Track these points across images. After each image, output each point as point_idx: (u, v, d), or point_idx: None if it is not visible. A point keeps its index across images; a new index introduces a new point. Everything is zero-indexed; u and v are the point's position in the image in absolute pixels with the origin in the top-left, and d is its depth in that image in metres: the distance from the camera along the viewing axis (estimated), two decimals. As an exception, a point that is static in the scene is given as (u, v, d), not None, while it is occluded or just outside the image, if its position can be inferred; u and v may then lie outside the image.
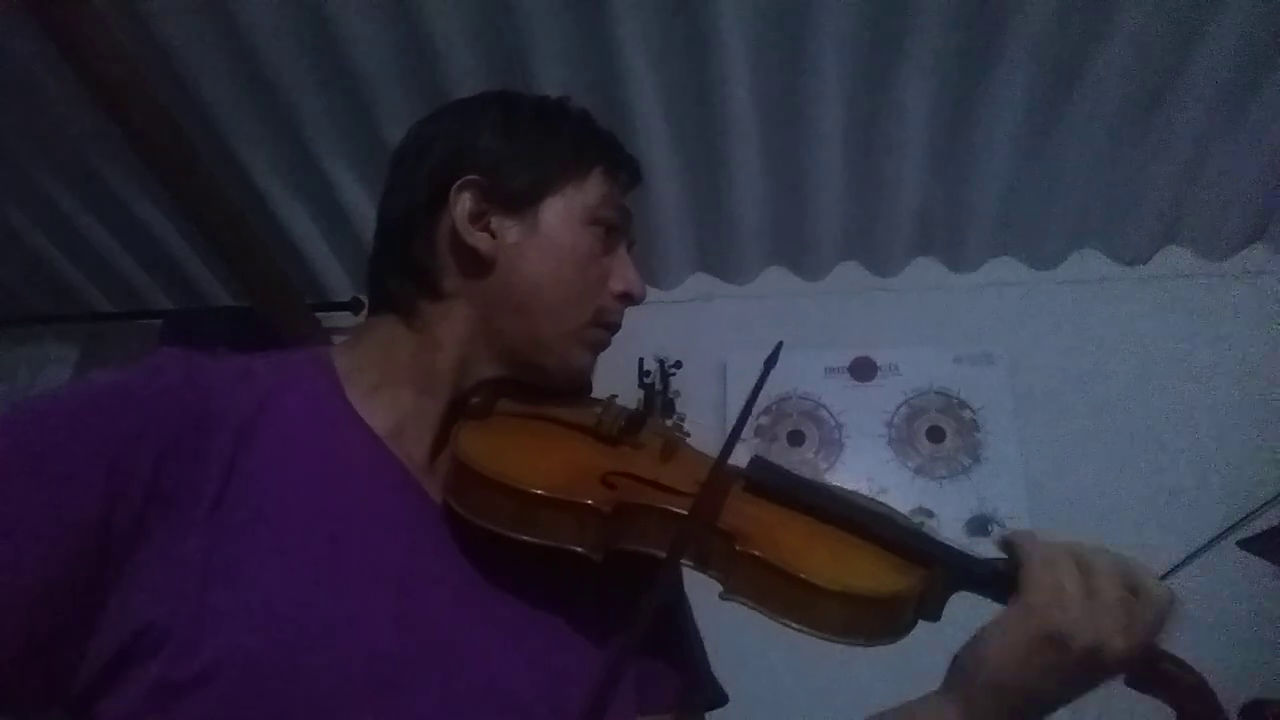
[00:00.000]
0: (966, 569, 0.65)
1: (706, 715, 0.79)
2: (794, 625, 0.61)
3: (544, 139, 0.74)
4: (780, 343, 0.79)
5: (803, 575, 0.60)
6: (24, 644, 0.52)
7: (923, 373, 2.02)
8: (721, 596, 0.63)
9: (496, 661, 0.61)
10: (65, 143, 1.93)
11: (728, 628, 0.77)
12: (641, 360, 2.11)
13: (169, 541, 0.53)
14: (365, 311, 0.78)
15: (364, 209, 2.01)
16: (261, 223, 2.01)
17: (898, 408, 2.00)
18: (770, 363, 0.77)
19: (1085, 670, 0.59)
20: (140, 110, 1.60)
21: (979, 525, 1.86)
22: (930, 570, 0.65)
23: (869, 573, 0.64)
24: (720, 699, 0.79)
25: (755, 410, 2.01)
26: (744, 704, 0.83)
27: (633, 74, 1.67)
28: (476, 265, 0.71)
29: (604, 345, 0.77)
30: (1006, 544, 0.64)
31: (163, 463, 0.54)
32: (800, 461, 1.98)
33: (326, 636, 0.55)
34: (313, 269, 2.21)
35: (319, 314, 2.23)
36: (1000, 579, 0.64)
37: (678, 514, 0.63)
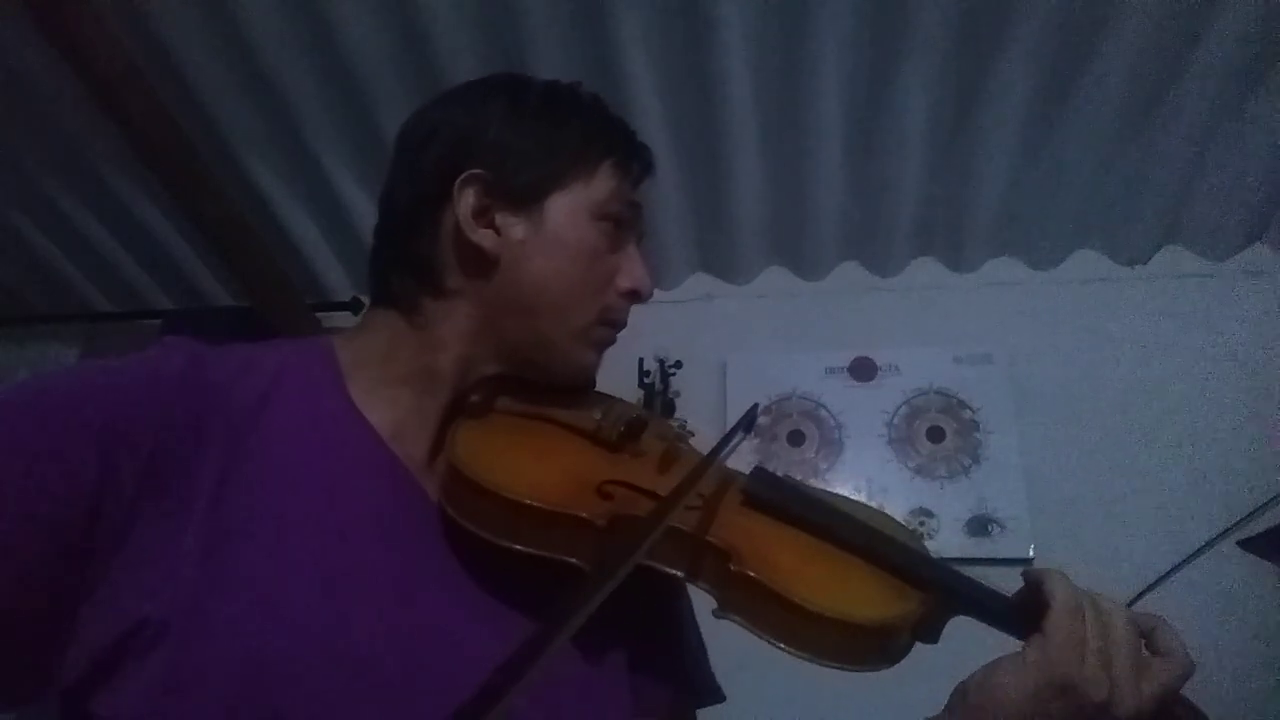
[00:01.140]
0: (973, 599, 0.64)
1: (703, 713, 0.78)
2: (786, 649, 0.59)
3: (552, 131, 0.71)
4: (756, 404, 0.77)
5: (796, 599, 0.59)
6: (6, 625, 0.51)
7: (923, 373, 2.01)
8: (715, 614, 0.62)
9: (493, 664, 0.61)
10: (65, 143, 1.93)
11: (727, 627, 0.77)
12: (641, 360, 2.11)
13: (164, 535, 0.53)
14: (366, 310, 0.77)
15: (364, 209, 2.01)
16: (261, 223, 2.01)
17: (898, 408, 2.00)
18: (746, 425, 0.76)
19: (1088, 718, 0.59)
20: (140, 110, 1.60)
21: (979, 525, 1.86)
22: (929, 594, 0.63)
23: (866, 597, 0.62)
24: (716, 696, 0.79)
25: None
26: (742, 703, 0.83)
27: (633, 74, 1.67)
28: (480, 263, 0.69)
29: (609, 343, 0.75)
30: (1033, 581, 0.62)
31: (158, 452, 0.54)
32: (800, 461, 1.98)
33: (326, 637, 0.54)
34: (313, 269, 2.21)
35: (319, 314, 2.23)
36: (1016, 615, 0.62)
37: (676, 528, 0.61)
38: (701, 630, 0.81)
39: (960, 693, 0.62)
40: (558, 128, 0.72)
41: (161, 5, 1.62)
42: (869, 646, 0.60)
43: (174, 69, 1.71)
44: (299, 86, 1.75)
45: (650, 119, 1.76)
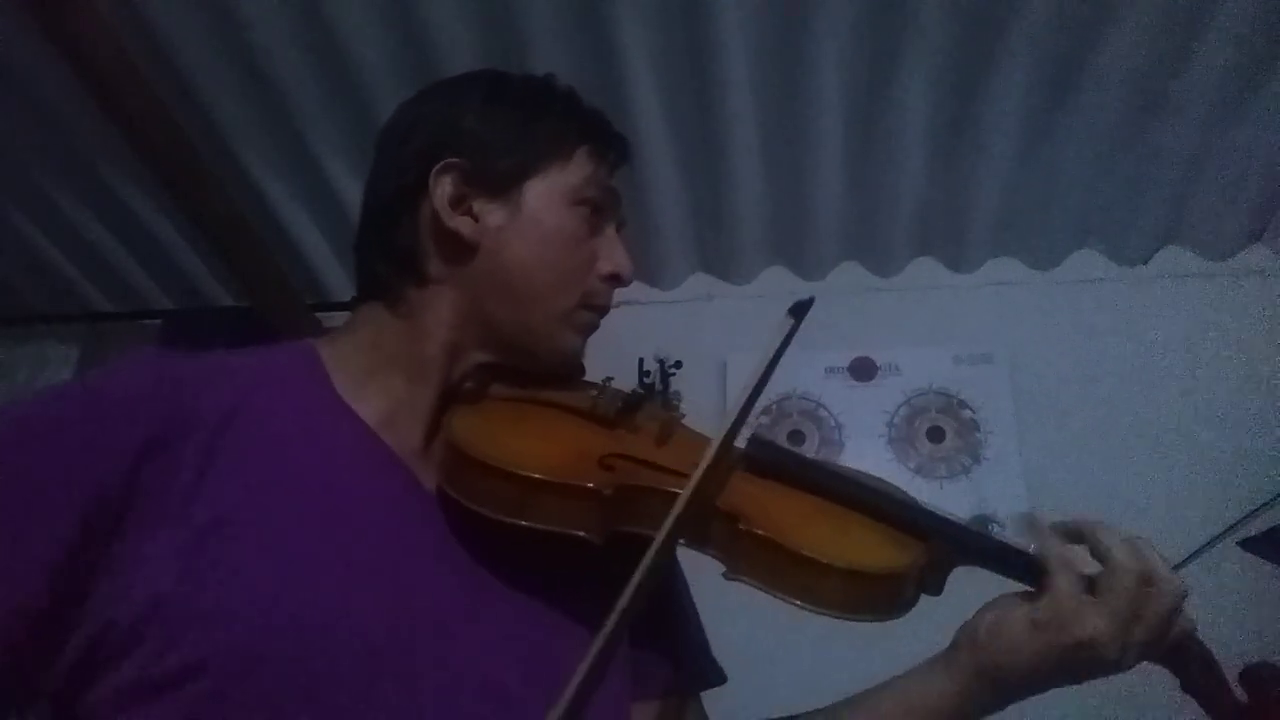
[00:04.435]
0: (974, 546, 0.66)
1: (706, 695, 0.79)
2: (798, 603, 0.61)
3: (527, 119, 0.73)
4: (813, 297, 0.75)
5: (805, 552, 0.60)
6: (8, 655, 0.52)
7: (923, 373, 2.02)
8: (725, 576, 0.62)
9: (490, 650, 0.61)
10: (65, 143, 1.93)
11: (727, 607, 0.77)
12: (641, 360, 2.11)
13: (142, 539, 0.53)
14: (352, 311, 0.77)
15: (364, 209, 2.00)
16: (261, 223, 2.00)
17: (898, 408, 2.00)
18: (801, 311, 0.74)
19: (1099, 668, 0.60)
20: (140, 110, 1.60)
21: (979, 525, 1.85)
22: (930, 543, 0.65)
23: (871, 548, 0.64)
24: (718, 678, 0.79)
25: (755, 410, 2.01)
26: (743, 683, 0.83)
27: (633, 74, 1.67)
28: (460, 250, 0.70)
29: (593, 328, 0.76)
30: (1074, 533, 0.64)
31: (139, 463, 0.54)
32: (800, 461, 1.98)
33: (318, 628, 0.54)
34: (313, 269, 2.21)
35: (319, 314, 2.23)
36: (1017, 560, 0.64)
37: (679, 494, 0.62)
38: (702, 617, 0.82)
39: (968, 636, 0.64)
40: (533, 116, 0.73)
41: (161, 5, 1.62)
42: (876, 596, 0.62)
43: (174, 69, 1.71)
44: (299, 86, 1.75)
45: (650, 119, 1.76)
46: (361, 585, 0.58)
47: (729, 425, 0.66)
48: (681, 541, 0.64)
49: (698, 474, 0.60)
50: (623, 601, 0.53)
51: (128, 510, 0.53)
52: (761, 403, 2.01)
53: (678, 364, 2.11)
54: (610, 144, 0.76)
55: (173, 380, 0.59)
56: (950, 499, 1.89)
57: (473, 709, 0.58)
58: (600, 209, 0.74)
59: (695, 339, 2.12)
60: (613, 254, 0.75)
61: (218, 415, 0.58)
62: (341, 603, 0.56)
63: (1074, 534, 0.64)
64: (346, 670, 0.54)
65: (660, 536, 0.57)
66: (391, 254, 0.73)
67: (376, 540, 0.61)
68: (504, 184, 0.71)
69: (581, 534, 0.61)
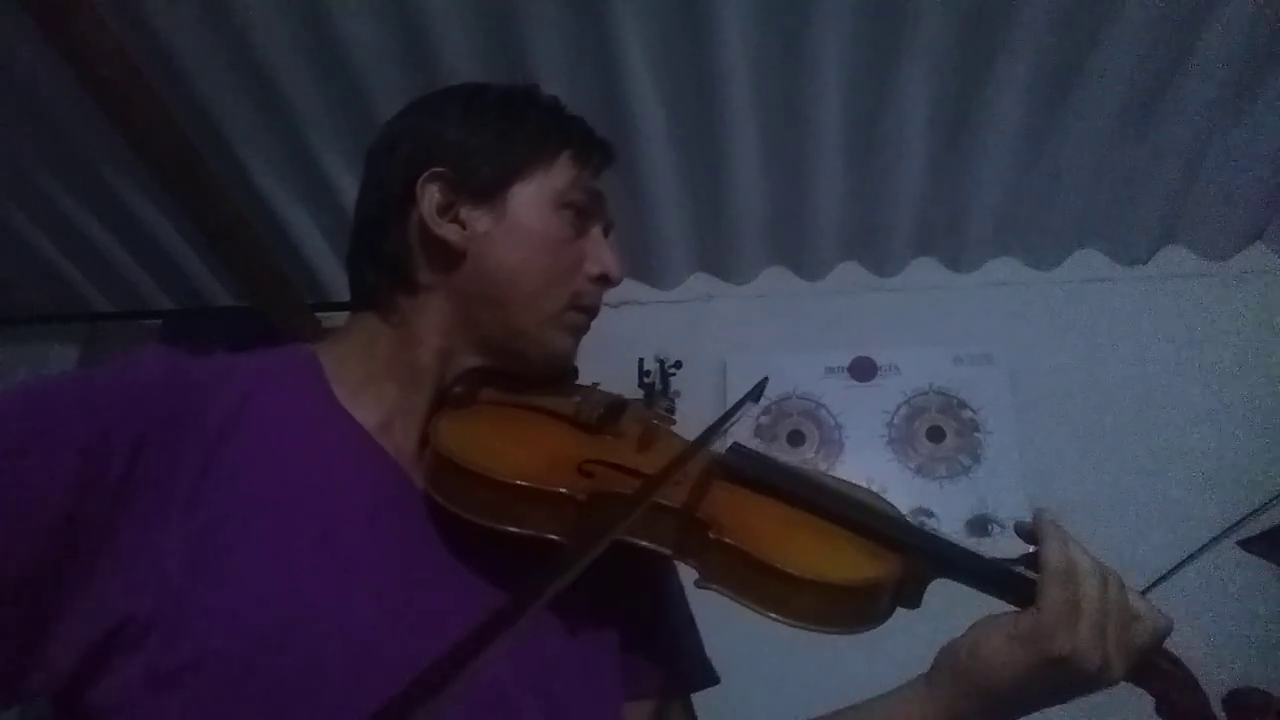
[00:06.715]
0: (950, 560, 0.65)
1: (699, 696, 0.79)
2: (769, 614, 0.60)
3: (509, 127, 0.74)
4: (765, 378, 0.79)
5: (776, 564, 0.60)
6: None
7: (923, 373, 2.02)
8: (697, 584, 0.63)
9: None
10: (65, 143, 1.93)
11: (719, 608, 0.77)
12: (641, 360, 2.11)
13: (147, 534, 0.53)
14: (346, 318, 0.78)
15: (364, 209, 2.00)
16: (261, 223, 2.01)
17: (898, 408, 2.00)
18: (754, 395, 0.77)
19: (1080, 687, 0.60)
20: (140, 110, 1.60)
21: (979, 525, 1.86)
22: (906, 557, 0.64)
23: (844, 560, 0.64)
24: (711, 679, 0.80)
25: (755, 410, 2.01)
26: (735, 685, 0.83)
27: (633, 74, 1.67)
28: (448, 257, 0.72)
29: (583, 329, 0.77)
30: (1030, 534, 0.64)
31: (139, 454, 0.54)
32: (800, 462, 1.97)
33: (315, 628, 0.55)
34: (313, 269, 2.21)
35: (319, 314, 2.23)
36: (995, 576, 0.64)
37: (656, 502, 0.62)
38: (697, 620, 0.82)
39: (949, 655, 0.63)
40: (515, 123, 0.74)
41: (162, 6, 1.62)
42: (848, 609, 0.61)
43: (174, 69, 1.71)
44: (299, 86, 1.75)
45: (650, 119, 1.76)
46: (358, 585, 0.58)
47: (699, 435, 0.66)
48: (666, 550, 0.64)
49: (655, 480, 0.59)
50: (535, 585, 0.48)
51: (124, 501, 0.53)
52: (761, 403, 2.02)
53: (678, 364, 2.11)
54: (593, 147, 0.77)
55: (184, 380, 0.60)
56: (950, 499, 1.89)
57: (468, 706, 0.58)
58: (585, 212, 0.75)
59: (695, 339, 2.13)
60: (600, 255, 0.75)
61: (222, 417, 0.59)
62: (338, 603, 0.57)
63: (1030, 536, 0.64)
64: (343, 669, 0.55)
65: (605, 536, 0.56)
66: (382, 264, 0.74)
67: (373, 541, 0.62)
68: (489, 190, 0.72)
69: (557, 538, 0.62)
